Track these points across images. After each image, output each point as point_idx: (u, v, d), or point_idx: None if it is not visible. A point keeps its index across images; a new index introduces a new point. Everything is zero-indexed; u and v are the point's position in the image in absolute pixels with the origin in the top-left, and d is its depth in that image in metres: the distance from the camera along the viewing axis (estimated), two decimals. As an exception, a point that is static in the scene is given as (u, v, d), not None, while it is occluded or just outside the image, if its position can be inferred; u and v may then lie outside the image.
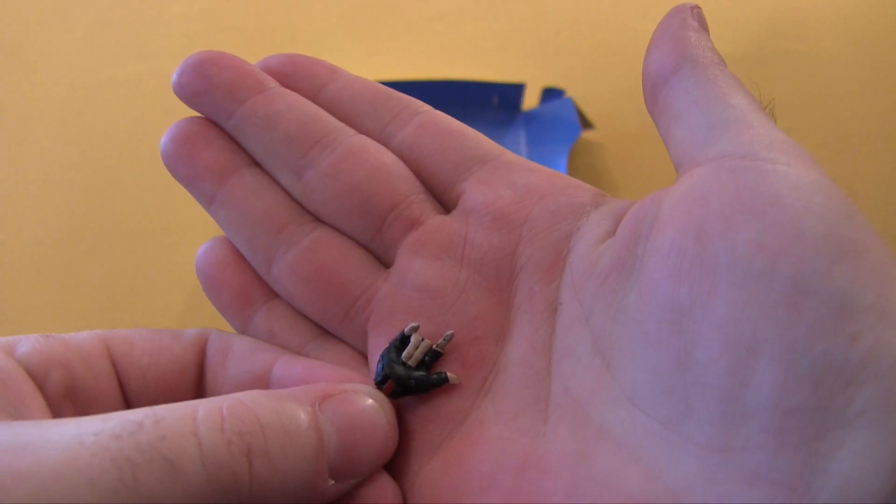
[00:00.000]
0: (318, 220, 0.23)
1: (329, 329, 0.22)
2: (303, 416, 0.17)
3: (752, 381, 0.14)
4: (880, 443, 0.13)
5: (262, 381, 0.20)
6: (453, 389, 0.20)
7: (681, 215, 0.16)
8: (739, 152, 0.16)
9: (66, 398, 0.18)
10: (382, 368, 0.20)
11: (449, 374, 0.20)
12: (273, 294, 0.23)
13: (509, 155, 0.23)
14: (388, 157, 0.23)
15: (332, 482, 0.17)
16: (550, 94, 0.54)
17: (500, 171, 0.22)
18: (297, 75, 0.24)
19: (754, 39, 0.57)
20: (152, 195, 0.52)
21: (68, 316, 0.50)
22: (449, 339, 0.20)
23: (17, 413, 0.16)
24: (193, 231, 0.51)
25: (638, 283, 0.17)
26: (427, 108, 0.24)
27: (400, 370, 0.20)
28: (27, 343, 0.18)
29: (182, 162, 0.22)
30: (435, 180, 0.23)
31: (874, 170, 0.55)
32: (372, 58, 0.57)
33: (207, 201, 0.23)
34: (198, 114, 0.23)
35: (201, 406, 0.15)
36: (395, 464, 0.19)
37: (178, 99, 0.23)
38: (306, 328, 0.22)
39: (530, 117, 0.54)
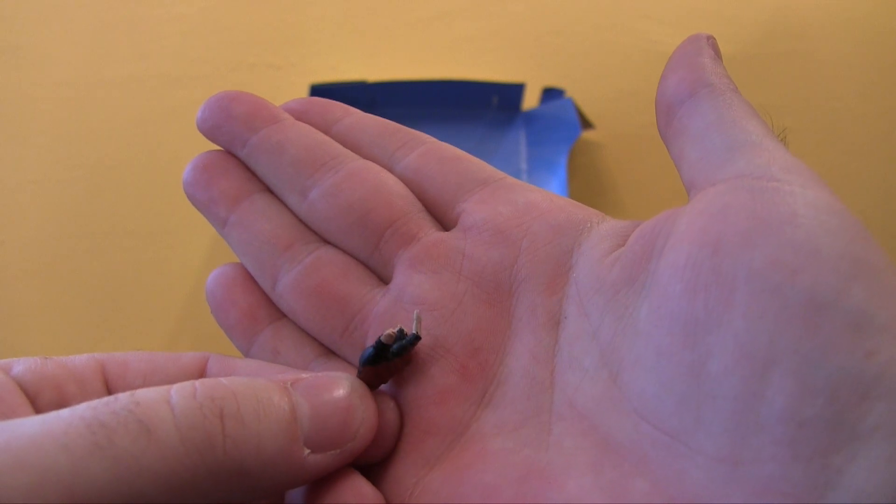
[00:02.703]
0: (323, 239, 0.23)
1: (330, 346, 0.22)
2: (275, 389, 0.17)
3: (767, 392, 0.14)
4: (894, 457, 0.13)
5: None
6: (453, 401, 0.20)
7: (697, 231, 0.16)
8: (756, 173, 0.17)
9: None
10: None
11: (417, 334, 0.20)
12: (279, 315, 0.23)
13: (510, 179, 0.23)
14: (388, 178, 0.23)
15: (309, 451, 0.17)
16: (550, 94, 0.54)
17: (500, 191, 0.22)
18: (312, 112, 0.25)
19: (755, 40, 0.57)
20: (152, 195, 0.52)
21: (68, 315, 0.50)
22: (417, 318, 0.20)
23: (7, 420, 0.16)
24: (192, 231, 0.51)
25: (649, 298, 0.17)
26: (432, 139, 0.24)
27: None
28: (23, 363, 0.19)
29: (200, 188, 0.24)
30: (436, 202, 0.23)
31: (874, 170, 0.56)
32: (372, 58, 0.57)
33: (221, 224, 0.24)
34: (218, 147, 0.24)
35: (176, 384, 0.16)
36: (393, 475, 0.19)
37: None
38: (311, 348, 0.22)
39: (530, 117, 0.54)
